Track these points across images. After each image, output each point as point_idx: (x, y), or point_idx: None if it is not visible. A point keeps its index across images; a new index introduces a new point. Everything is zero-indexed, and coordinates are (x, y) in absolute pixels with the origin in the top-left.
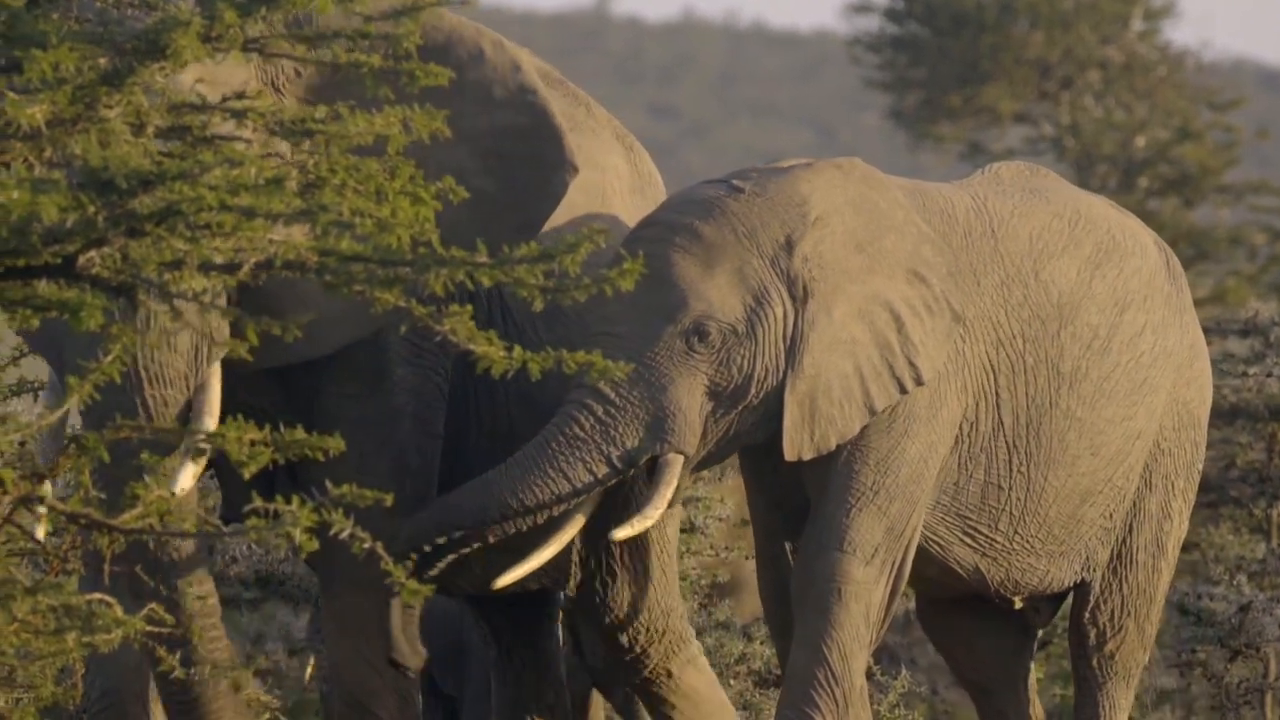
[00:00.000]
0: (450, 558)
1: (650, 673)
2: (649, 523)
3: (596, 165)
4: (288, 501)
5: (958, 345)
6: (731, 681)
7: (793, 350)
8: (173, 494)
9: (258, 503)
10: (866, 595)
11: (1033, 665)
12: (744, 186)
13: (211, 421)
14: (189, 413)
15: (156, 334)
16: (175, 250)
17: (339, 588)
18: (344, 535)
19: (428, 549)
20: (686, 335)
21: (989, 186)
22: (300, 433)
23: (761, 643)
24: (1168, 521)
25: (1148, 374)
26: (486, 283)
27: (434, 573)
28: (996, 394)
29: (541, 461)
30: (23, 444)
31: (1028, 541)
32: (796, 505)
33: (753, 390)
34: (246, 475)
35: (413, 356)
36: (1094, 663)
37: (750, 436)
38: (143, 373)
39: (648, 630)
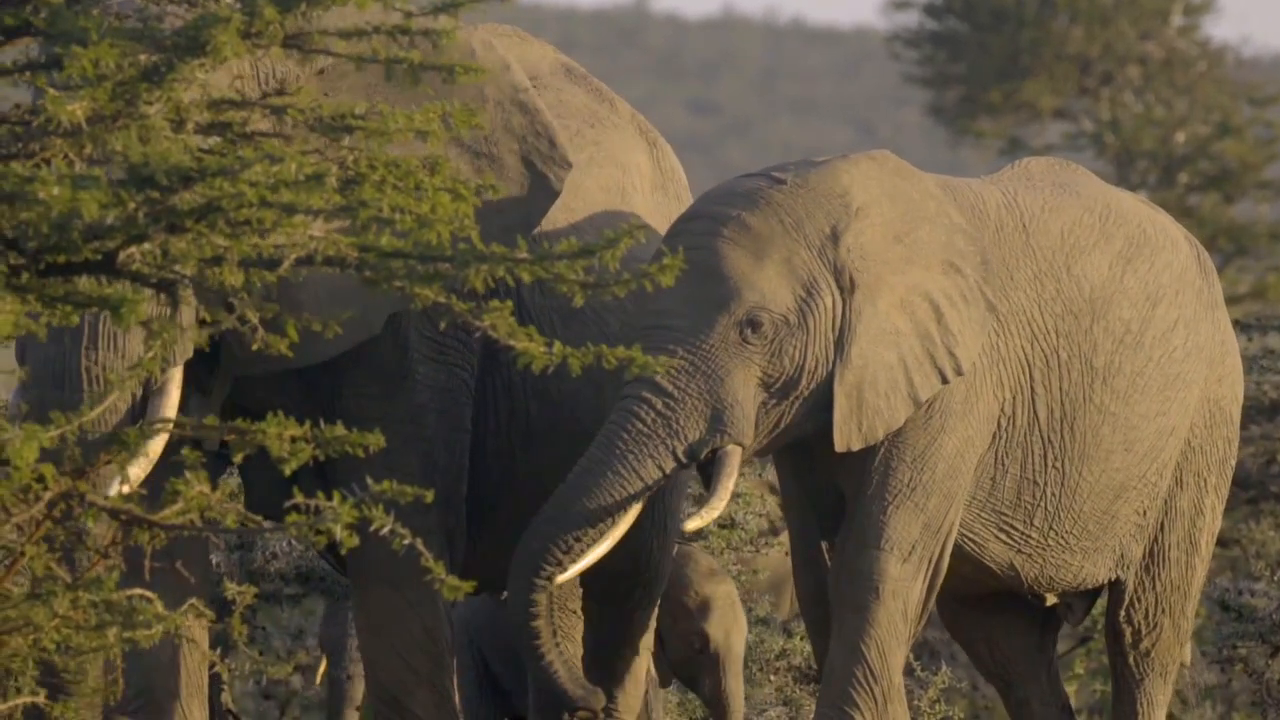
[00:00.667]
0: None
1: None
2: (715, 514)
3: (617, 163)
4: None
5: (992, 339)
6: (772, 677)
7: (841, 341)
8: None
9: (298, 498)
10: (904, 592)
11: (1070, 658)
12: (785, 178)
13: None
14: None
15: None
16: (215, 246)
17: (370, 584)
18: (384, 531)
19: (542, 577)
20: (740, 326)
21: (1019, 181)
22: (340, 429)
23: (801, 638)
24: (1200, 518)
25: (1180, 369)
26: (527, 279)
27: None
28: (1031, 389)
29: (611, 460)
30: (63, 440)
31: (1062, 537)
32: (831, 503)
33: (804, 381)
34: (287, 472)
35: (435, 354)
36: (1131, 660)
37: (799, 429)
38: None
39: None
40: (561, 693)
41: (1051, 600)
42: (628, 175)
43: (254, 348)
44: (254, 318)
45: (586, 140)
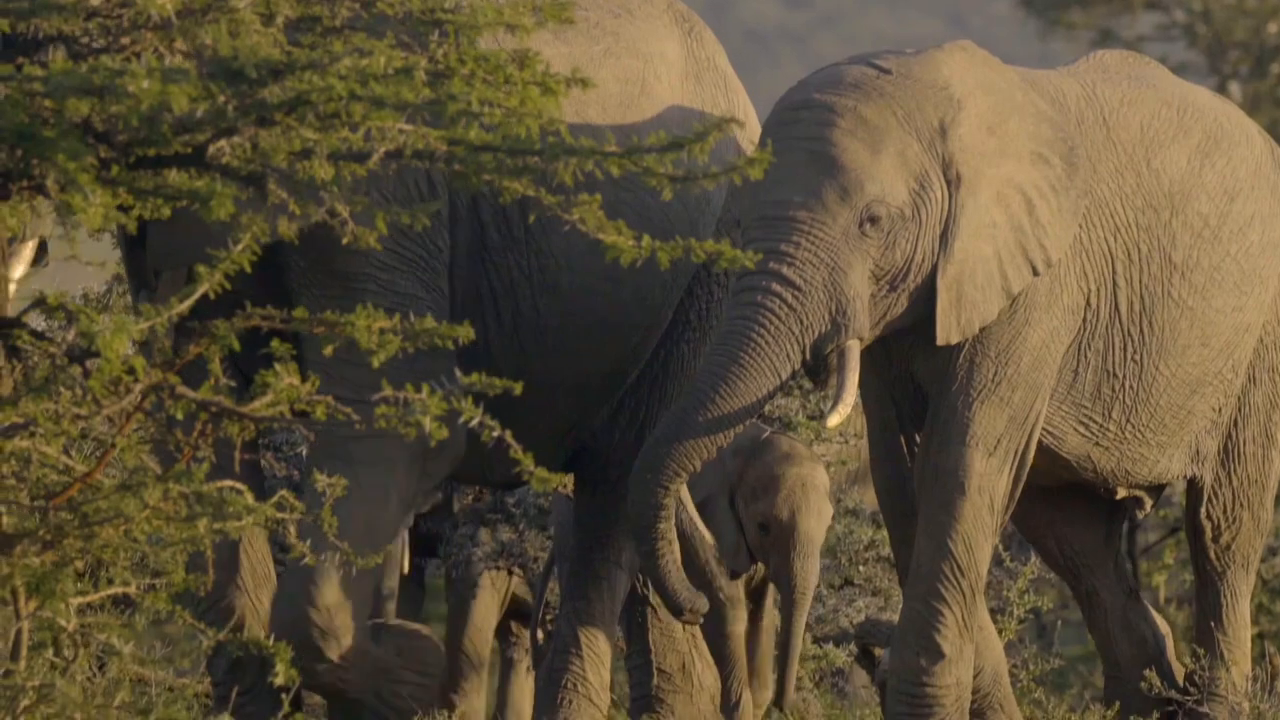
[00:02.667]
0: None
1: None
2: (849, 409)
3: (638, 53)
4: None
5: (1076, 231)
6: (861, 567)
7: (946, 234)
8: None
9: (387, 390)
10: (990, 487)
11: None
12: (890, 67)
13: None
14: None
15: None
16: (305, 140)
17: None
18: (473, 424)
19: (669, 479)
20: (860, 219)
21: (1095, 74)
22: (430, 321)
23: None
24: (1276, 412)
25: (1256, 265)
26: (616, 172)
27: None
28: (1114, 281)
29: (747, 356)
30: (153, 332)
31: (1139, 431)
32: (910, 396)
33: (911, 274)
34: (375, 364)
35: (396, 261)
36: (1212, 555)
37: (900, 322)
38: None
39: None
40: (672, 595)
41: (1122, 494)
42: (650, 65)
43: (344, 241)
44: (344, 211)
45: (605, 31)
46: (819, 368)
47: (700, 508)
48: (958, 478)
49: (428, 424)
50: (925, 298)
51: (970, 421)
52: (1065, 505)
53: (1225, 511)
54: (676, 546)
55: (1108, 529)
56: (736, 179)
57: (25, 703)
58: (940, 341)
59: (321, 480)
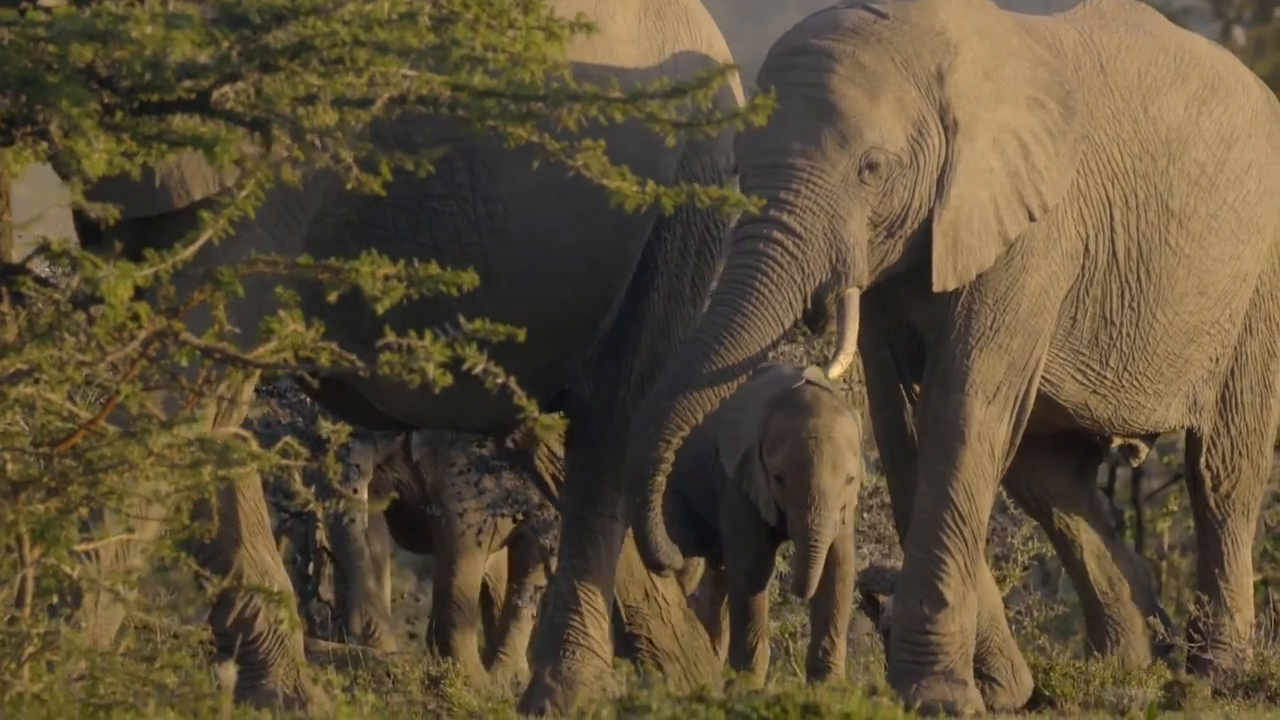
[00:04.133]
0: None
1: None
2: (850, 359)
3: None
4: None
5: (1074, 176)
6: (865, 514)
7: (942, 180)
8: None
9: (390, 338)
10: (990, 434)
11: (1164, 494)
12: (886, 11)
13: None
14: None
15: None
16: (309, 85)
17: None
18: (477, 370)
19: (671, 432)
20: (860, 166)
21: (1093, 20)
22: (435, 267)
23: None
24: (1274, 361)
25: (1253, 213)
26: (619, 117)
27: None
28: (1111, 228)
29: (750, 304)
30: (158, 279)
31: (1136, 379)
32: (907, 343)
33: (908, 221)
34: (380, 310)
35: (274, 217)
36: (1213, 503)
37: (896, 268)
38: None
39: None
40: (653, 548)
41: (1118, 442)
42: (603, 3)
43: (348, 187)
44: (348, 157)
45: None
46: (817, 316)
47: (744, 459)
48: (958, 426)
49: (431, 370)
50: (921, 244)
51: (969, 370)
52: (1033, 448)
53: (1224, 461)
54: (662, 501)
55: (1079, 469)
56: (739, 125)
57: (30, 650)
58: (937, 288)
59: (326, 427)
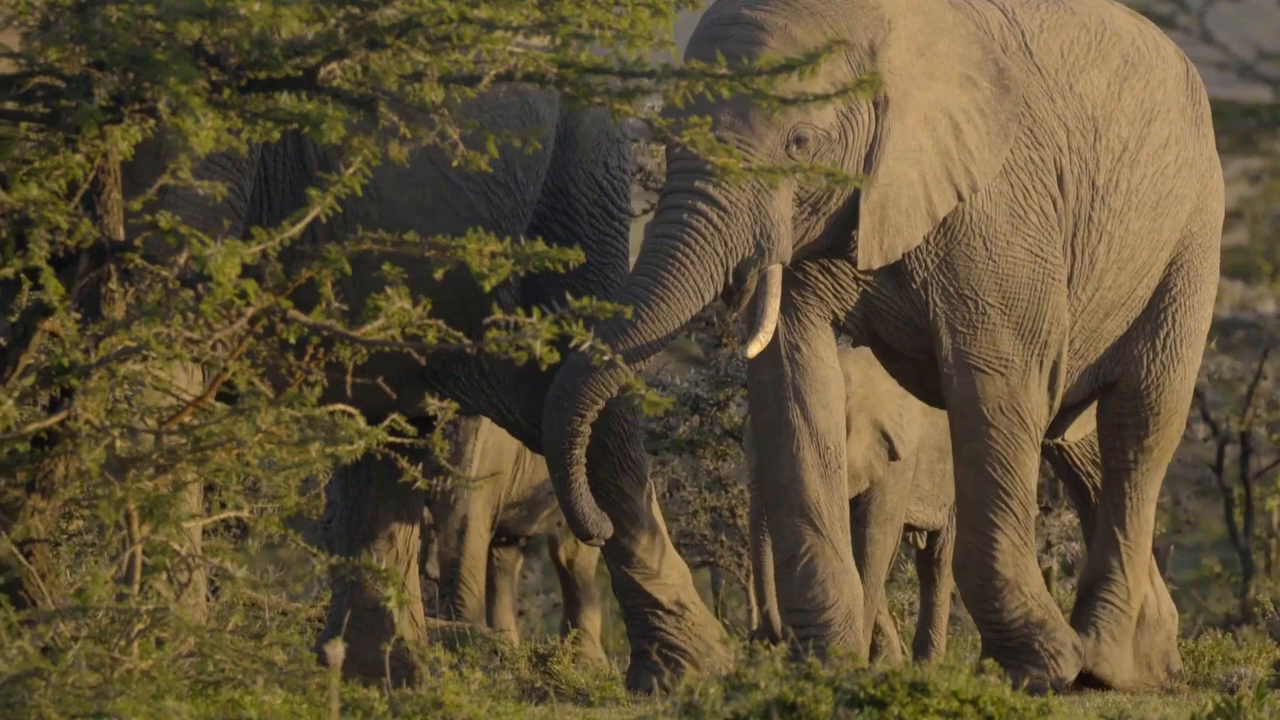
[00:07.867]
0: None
1: None
2: (769, 336)
3: None
4: None
5: (1025, 152)
6: None
7: (870, 158)
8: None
9: (498, 314)
10: (1015, 405)
11: None
12: None
13: None
14: None
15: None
16: (415, 62)
17: None
18: (584, 348)
19: (585, 407)
20: (787, 141)
21: None
22: (540, 244)
23: None
24: (1182, 328)
25: (1172, 185)
26: (726, 94)
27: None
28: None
29: (670, 276)
30: (265, 257)
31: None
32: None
33: (834, 197)
34: (487, 288)
35: (201, 170)
36: (1129, 455)
37: (817, 245)
38: None
39: None
40: (581, 518)
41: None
42: None
43: (454, 164)
44: (454, 134)
45: None
46: (734, 292)
47: None
48: (975, 406)
49: (538, 348)
50: (846, 222)
51: (970, 351)
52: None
53: (1137, 418)
54: (584, 472)
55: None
56: (842, 102)
57: (139, 626)
58: (862, 266)
59: (433, 404)
